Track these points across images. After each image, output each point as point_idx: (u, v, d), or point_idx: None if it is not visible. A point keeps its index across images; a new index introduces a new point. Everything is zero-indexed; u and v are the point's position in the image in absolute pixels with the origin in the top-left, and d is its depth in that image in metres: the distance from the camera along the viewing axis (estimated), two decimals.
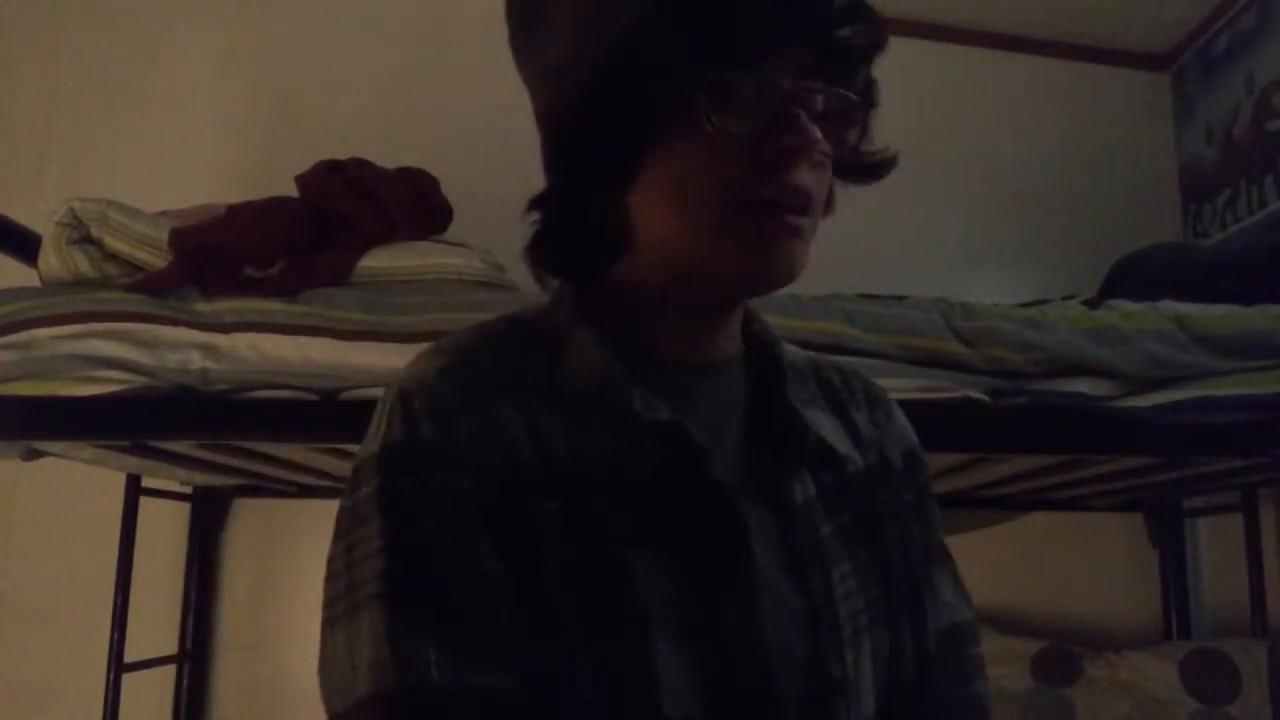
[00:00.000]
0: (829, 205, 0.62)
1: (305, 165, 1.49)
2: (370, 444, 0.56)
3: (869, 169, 0.64)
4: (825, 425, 0.67)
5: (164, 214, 1.40)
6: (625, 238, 0.60)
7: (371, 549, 0.52)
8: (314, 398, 1.25)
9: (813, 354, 0.76)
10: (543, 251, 0.61)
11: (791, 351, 0.70)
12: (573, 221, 0.60)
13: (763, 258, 0.56)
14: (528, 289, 1.49)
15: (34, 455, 1.40)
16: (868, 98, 0.60)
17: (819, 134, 0.55)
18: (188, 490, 1.95)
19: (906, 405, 1.26)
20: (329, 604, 0.54)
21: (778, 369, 0.67)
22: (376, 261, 1.38)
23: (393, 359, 1.24)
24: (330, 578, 0.55)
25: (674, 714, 0.52)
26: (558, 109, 0.58)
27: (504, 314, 0.65)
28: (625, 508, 0.55)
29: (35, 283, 1.34)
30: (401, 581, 0.52)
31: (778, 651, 0.56)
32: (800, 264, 0.57)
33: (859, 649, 0.60)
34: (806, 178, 0.56)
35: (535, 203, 0.60)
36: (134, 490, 1.82)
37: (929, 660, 0.67)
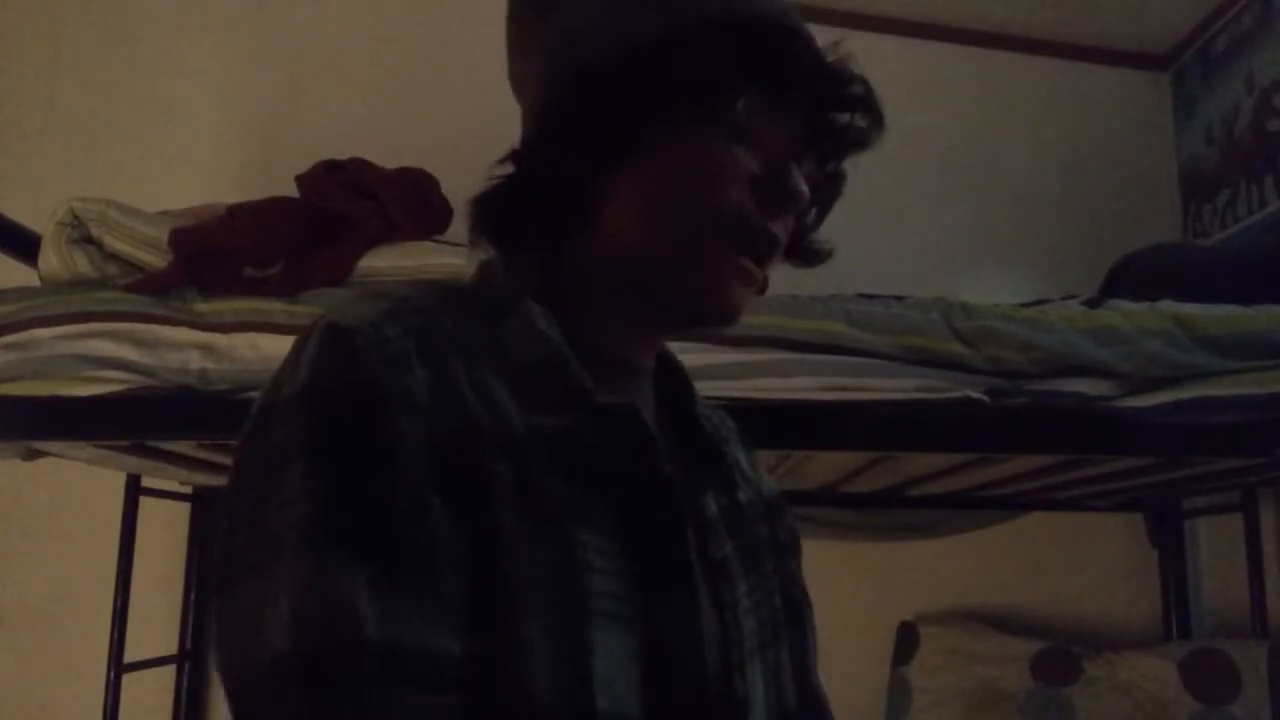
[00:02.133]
0: None
1: (305, 165, 1.49)
2: (286, 384, 0.48)
3: (808, 253, 0.66)
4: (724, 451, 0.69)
5: (164, 214, 1.40)
6: (587, 220, 0.58)
7: (292, 494, 0.45)
8: None
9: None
10: (495, 210, 0.59)
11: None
12: (541, 188, 0.58)
13: (713, 293, 0.57)
14: None
15: (34, 455, 1.40)
16: (835, 187, 0.64)
17: (807, 192, 0.57)
18: (188, 490, 1.95)
19: (906, 405, 1.28)
20: (228, 563, 0.47)
21: (688, 390, 0.68)
22: (376, 261, 1.38)
23: None
24: (230, 533, 0.47)
25: (606, 707, 0.49)
26: (567, 77, 0.57)
27: (432, 282, 0.63)
28: (574, 487, 0.52)
29: (35, 283, 1.34)
30: (331, 528, 0.45)
31: (709, 657, 0.55)
32: (743, 312, 0.59)
33: (754, 670, 0.60)
34: (781, 232, 0.58)
35: (511, 157, 0.58)
36: (134, 490, 1.82)
37: (813, 695, 0.68)
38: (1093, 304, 1.44)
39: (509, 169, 0.59)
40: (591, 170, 0.57)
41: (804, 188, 0.57)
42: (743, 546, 0.64)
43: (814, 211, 0.64)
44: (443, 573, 0.46)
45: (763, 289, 0.62)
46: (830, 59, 0.58)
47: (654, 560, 0.54)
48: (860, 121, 0.60)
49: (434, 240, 1.47)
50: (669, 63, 0.54)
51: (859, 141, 0.61)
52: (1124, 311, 1.37)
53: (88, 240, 1.32)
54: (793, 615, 0.68)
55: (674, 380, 0.68)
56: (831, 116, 0.59)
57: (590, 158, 0.57)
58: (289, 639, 0.43)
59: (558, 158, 0.57)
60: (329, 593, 0.43)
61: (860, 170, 0.64)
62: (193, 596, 1.93)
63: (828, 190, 0.64)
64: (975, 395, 1.27)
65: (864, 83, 0.59)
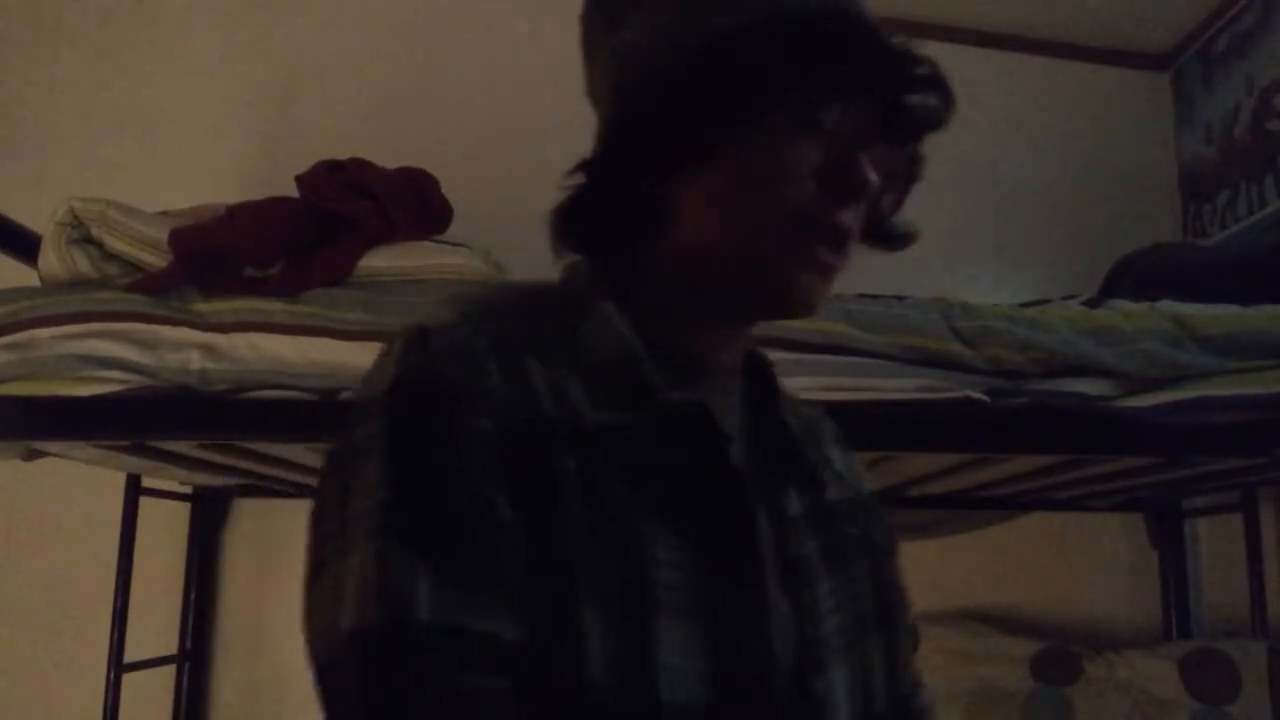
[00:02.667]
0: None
1: (305, 165, 1.49)
2: (375, 383, 0.53)
3: (890, 237, 0.65)
4: (810, 450, 0.68)
5: (164, 214, 1.40)
6: (661, 224, 0.59)
7: (370, 484, 0.49)
8: (314, 398, 1.25)
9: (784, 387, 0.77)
10: (572, 219, 0.60)
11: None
12: (614, 196, 0.60)
13: (792, 286, 0.57)
14: None
15: (34, 455, 1.40)
16: (913, 169, 0.63)
17: (876, 180, 0.57)
18: (188, 490, 1.95)
19: (906, 405, 1.28)
20: (315, 549, 0.50)
21: (773, 389, 0.68)
22: (376, 261, 1.38)
23: None
24: (318, 522, 0.51)
25: (670, 697, 0.50)
26: (633, 85, 0.58)
27: (519, 284, 0.64)
28: (642, 482, 0.54)
29: (35, 283, 1.34)
30: (399, 515, 0.48)
31: (778, 655, 0.55)
32: (821, 302, 0.59)
33: (836, 670, 0.60)
34: (853, 221, 0.57)
35: (582, 167, 0.60)
36: (134, 490, 1.83)
37: (905, 699, 0.68)
38: (1093, 304, 1.44)
39: (582, 177, 0.60)
40: (660, 176, 0.58)
41: (872, 176, 0.56)
42: (828, 546, 0.64)
43: (892, 195, 0.63)
44: (502, 562, 0.48)
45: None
46: (893, 42, 0.57)
47: (722, 556, 0.55)
48: (931, 102, 0.59)
49: (434, 240, 1.47)
50: (729, 65, 0.54)
51: (932, 122, 0.60)
52: (1124, 311, 1.37)
53: (88, 240, 1.32)
54: (885, 617, 0.67)
55: (761, 379, 0.68)
56: (901, 100, 0.59)
57: (657, 165, 0.58)
58: (353, 617, 0.46)
59: (625, 166, 0.59)
60: (388, 575, 0.46)
61: None
62: (193, 596, 1.94)
63: (905, 173, 0.63)
64: (975, 395, 1.27)
65: (930, 63, 0.58)
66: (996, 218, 2.22)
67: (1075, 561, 2.09)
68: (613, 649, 0.49)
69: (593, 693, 0.48)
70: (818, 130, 0.56)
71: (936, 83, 0.58)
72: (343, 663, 0.46)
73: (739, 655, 0.53)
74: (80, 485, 1.89)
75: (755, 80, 0.54)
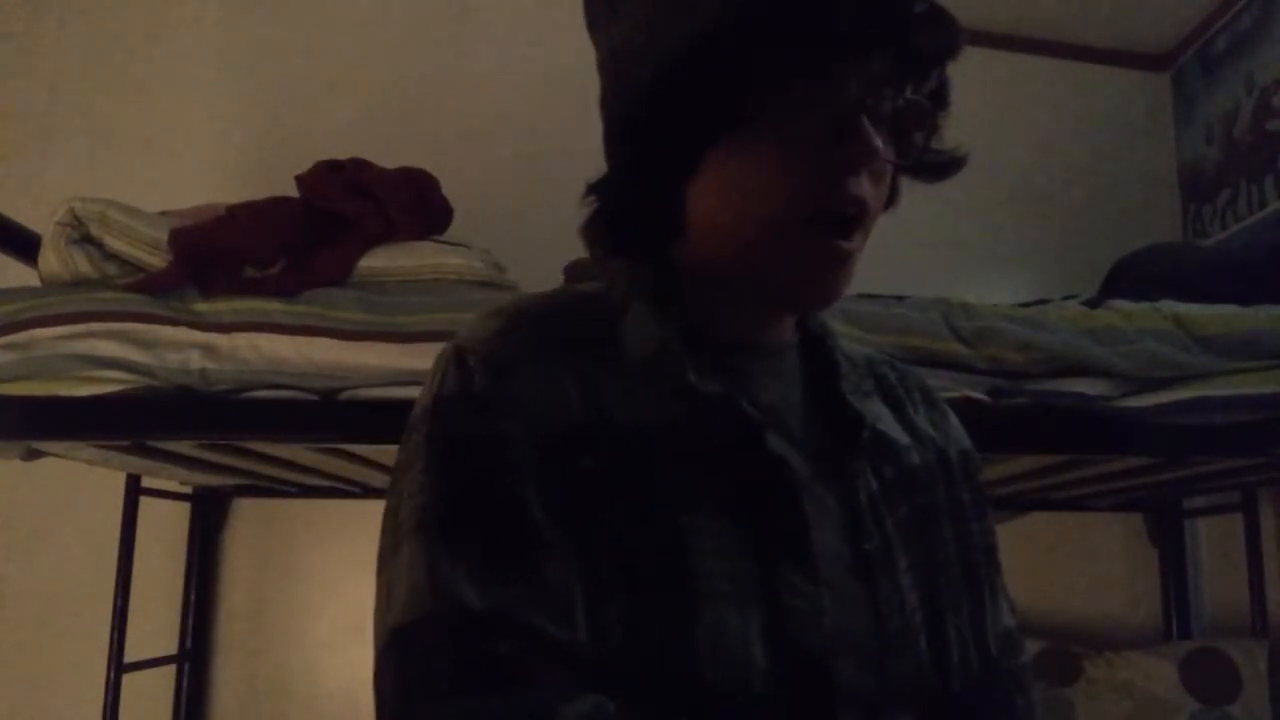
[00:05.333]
0: (891, 201, 0.62)
1: (305, 165, 1.49)
2: (423, 398, 0.57)
3: (936, 169, 0.63)
4: (883, 417, 0.67)
5: (164, 214, 1.40)
6: (680, 222, 0.60)
7: (415, 489, 0.53)
8: (314, 398, 1.25)
9: (871, 350, 0.76)
10: (598, 230, 0.62)
11: (848, 346, 0.70)
12: (629, 204, 0.61)
13: (807, 280, 0.58)
14: (528, 289, 1.49)
15: (34, 455, 1.40)
16: (939, 98, 0.60)
17: (880, 144, 0.55)
18: (188, 490, 1.95)
19: None
20: (379, 556, 0.55)
21: (831, 360, 0.66)
22: (376, 261, 1.38)
23: (392, 359, 1.24)
24: (382, 527, 0.55)
25: (717, 682, 0.51)
26: (623, 93, 0.58)
27: (563, 288, 0.66)
28: (681, 475, 0.55)
29: (35, 283, 1.34)
30: (439, 514, 0.52)
31: (838, 639, 0.55)
32: (843, 288, 0.58)
33: (919, 644, 0.59)
34: (865, 188, 0.56)
35: (594, 187, 0.61)
36: (134, 490, 1.83)
37: (990, 661, 0.65)
38: (1093, 304, 1.44)
39: (596, 193, 0.61)
40: (663, 182, 0.59)
41: (871, 139, 0.54)
42: (911, 513, 0.63)
43: (922, 131, 0.60)
44: (538, 558, 0.51)
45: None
46: None
47: (768, 541, 0.55)
48: (937, 35, 0.56)
49: (434, 240, 1.47)
50: (697, 73, 0.53)
51: (942, 54, 0.57)
52: (1124, 311, 1.37)
53: (88, 240, 1.32)
54: (972, 581, 0.66)
55: (820, 353, 0.67)
56: (906, 44, 0.55)
57: (654, 172, 0.58)
58: (397, 614, 0.51)
59: (626, 176, 0.60)
60: (430, 573, 0.50)
61: None
62: (193, 596, 1.94)
63: (931, 105, 0.59)
64: (975, 395, 1.27)
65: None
66: (996, 218, 2.22)
67: (1075, 561, 2.09)
68: (659, 637, 0.51)
69: (646, 679, 0.50)
70: (811, 108, 0.54)
71: (934, 18, 0.55)
72: (383, 655, 0.51)
73: (794, 641, 0.53)
74: (80, 485, 1.89)
75: (730, 75, 0.53)
